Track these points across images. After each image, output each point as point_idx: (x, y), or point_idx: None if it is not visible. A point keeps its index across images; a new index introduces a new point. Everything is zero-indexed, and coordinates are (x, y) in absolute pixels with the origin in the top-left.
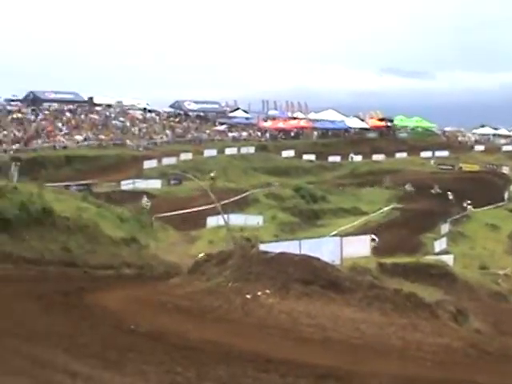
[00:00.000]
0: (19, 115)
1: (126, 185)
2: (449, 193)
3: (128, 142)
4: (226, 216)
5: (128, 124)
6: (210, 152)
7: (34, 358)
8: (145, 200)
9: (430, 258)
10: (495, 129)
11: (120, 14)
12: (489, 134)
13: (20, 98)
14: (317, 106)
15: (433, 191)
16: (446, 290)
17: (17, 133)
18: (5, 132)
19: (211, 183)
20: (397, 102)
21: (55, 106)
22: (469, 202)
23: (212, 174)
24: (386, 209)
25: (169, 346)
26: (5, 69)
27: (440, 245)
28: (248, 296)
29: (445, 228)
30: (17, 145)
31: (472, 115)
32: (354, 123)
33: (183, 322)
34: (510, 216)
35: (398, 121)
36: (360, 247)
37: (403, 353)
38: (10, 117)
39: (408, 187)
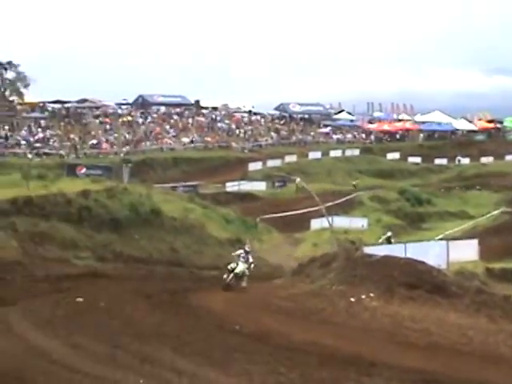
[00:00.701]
0: (129, 118)
1: (232, 186)
2: None
3: (233, 144)
4: (330, 218)
5: (233, 126)
6: (314, 154)
7: (143, 356)
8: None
9: None
10: None
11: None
12: None
13: (130, 101)
14: (423, 108)
15: None
16: None
17: (127, 135)
18: (115, 135)
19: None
20: (507, 102)
21: (163, 109)
22: None
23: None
24: (494, 212)
25: (272, 347)
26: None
27: None
28: (352, 299)
29: None
30: (127, 147)
31: None
32: (461, 125)
33: (287, 324)
34: None
35: (508, 122)
36: (467, 251)
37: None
38: (120, 120)
39: None
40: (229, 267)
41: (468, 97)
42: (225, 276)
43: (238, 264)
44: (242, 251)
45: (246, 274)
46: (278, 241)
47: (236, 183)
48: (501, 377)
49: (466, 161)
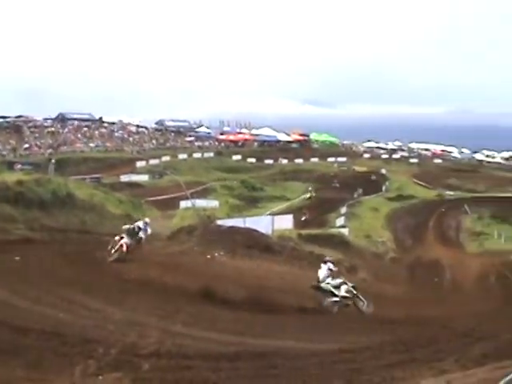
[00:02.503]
0: (52, 129)
1: (124, 178)
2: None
3: (126, 148)
4: (193, 201)
5: (126, 136)
6: (182, 156)
7: (62, 297)
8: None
9: (333, 230)
10: (377, 143)
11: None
12: (373, 147)
13: (53, 117)
14: (257, 125)
15: (334, 185)
16: (343, 252)
17: (50, 141)
18: (42, 141)
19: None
20: (312, 122)
21: (76, 123)
22: (360, 191)
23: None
24: (303, 196)
25: (154, 290)
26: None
27: (340, 221)
28: (208, 256)
29: (343, 210)
30: (50, 150)
31: (362, 133)
32: (282, 137)
33: (163, 273)
34: (385, 202)
35: (313, 136)
36: (286, 223)
37: (314, 294)
38: (46, 130)
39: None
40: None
41: (288, 118)
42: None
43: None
44: (141, 223)
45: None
46: (157, 216)
47: (127, 176)
48: (305, 305)
49: (285, 161)
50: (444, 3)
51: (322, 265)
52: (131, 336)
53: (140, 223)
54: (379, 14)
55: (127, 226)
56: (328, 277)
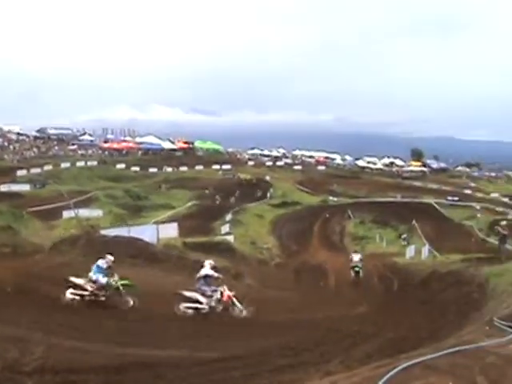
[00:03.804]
0: None
1: (4, 188)
2: (217, 196)
3: (6, 156)
4: (76, 210)
5: (6, 144)
6: (65, 165)
7: None
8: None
9: (218, 238)
10: (261, 150)
11: None
12: (257, 154)
13: None
14: (142, 133)
15: (207, 191)
16: (229, 258)
17: None
18: None
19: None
20: (197, 130)
21: None
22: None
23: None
24: (188, 204)
25: (34, 303)
26: None
27: (225, 228)
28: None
29: (228, 217)
30: None
31: (247, 141)
32: (166, 145)
33: (46, 285)
34: (270, 209)
35: (197, 144)
36: (171, 231)
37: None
38: None
39: (208, 191)
40: None
41: (173, 126)
42: None
43: None
44: None
45: None
46: (40, 226)
47: (7, 185)
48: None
49: (169, 169)
50: (328, 15)
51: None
52: (13, 352)
53: None
54: (261, 22)
55: None
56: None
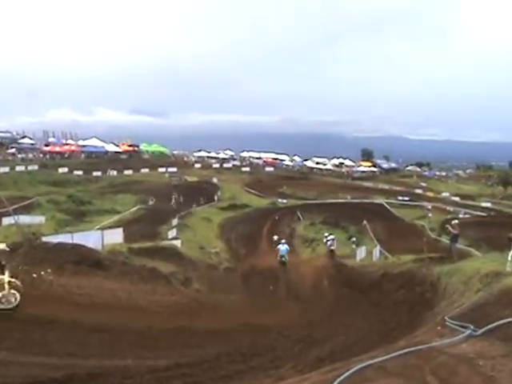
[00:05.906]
0: None
1: None
2: (174, 197)
3: None
4: (16, 217)
5: None
6: (4, 169)
7: None
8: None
9: (165, 243)
10: (208, 152)
11: None
12: (204, 156)
13: None
14: (85, 135)
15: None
16: (177, 264)
17: None
18: None
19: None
20: (142, 133)
21: None
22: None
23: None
24: (134, 209)
25: None
26: None
27: (172, 233)
28: (34, 275)
29: (175, 221)
30: None
31: (193, 143)
32: (111, 148)
33: None
34: (218, 212)
35: (143, 146)
36: (116, 236)
37: (147, 309)
38: None
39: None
40: None
41: (117, 128)
42: None
43: None
44: None
45: None
46: None
47: None
48: (138, 321)
49: (114, 173)
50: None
51: None
52: None
53: None
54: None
55: None
56: None
